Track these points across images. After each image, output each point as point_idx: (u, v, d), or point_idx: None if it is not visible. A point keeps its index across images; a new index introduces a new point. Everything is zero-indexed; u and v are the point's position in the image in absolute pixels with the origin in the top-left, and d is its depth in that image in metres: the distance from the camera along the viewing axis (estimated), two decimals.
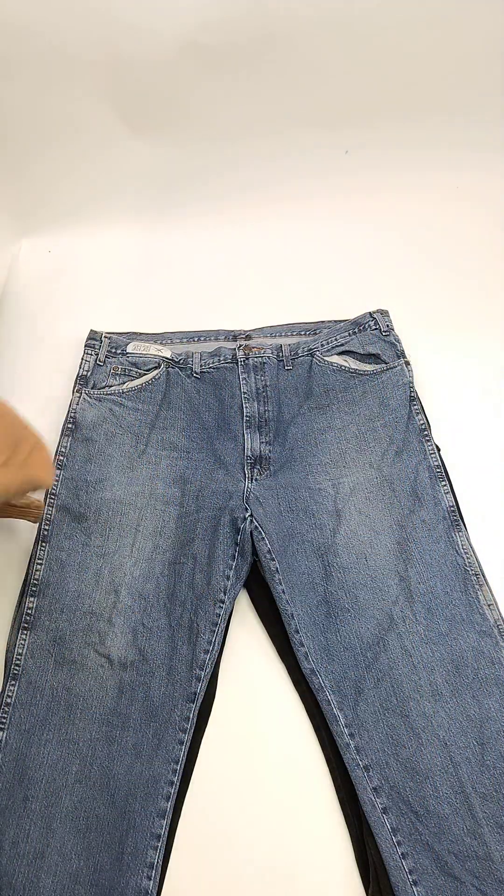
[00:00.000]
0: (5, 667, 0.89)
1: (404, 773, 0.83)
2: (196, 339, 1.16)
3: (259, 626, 0.96)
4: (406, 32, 1.11)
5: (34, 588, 0.93)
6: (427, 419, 1.06)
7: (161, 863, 0.78)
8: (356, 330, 1.12)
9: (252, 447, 1.03)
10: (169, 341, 1.16)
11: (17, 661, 0.89)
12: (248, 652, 0.94)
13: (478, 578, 0.93)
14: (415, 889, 0.78)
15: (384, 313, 1.13)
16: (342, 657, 0.90)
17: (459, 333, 1.20)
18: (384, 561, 0.95)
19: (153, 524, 0.98)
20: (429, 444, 1.03)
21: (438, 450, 1.03)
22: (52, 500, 0.99)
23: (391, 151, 1.25)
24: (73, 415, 1.05)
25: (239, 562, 0.95)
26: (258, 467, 1.03)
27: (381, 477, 1.01)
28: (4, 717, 0.85)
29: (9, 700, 0.86)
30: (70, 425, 1.04)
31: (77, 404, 1.06)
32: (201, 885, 0.80)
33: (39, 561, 0.94)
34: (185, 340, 1.16)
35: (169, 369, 1.09)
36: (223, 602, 0.92)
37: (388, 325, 1.12)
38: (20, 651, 0.89)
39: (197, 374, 1.09)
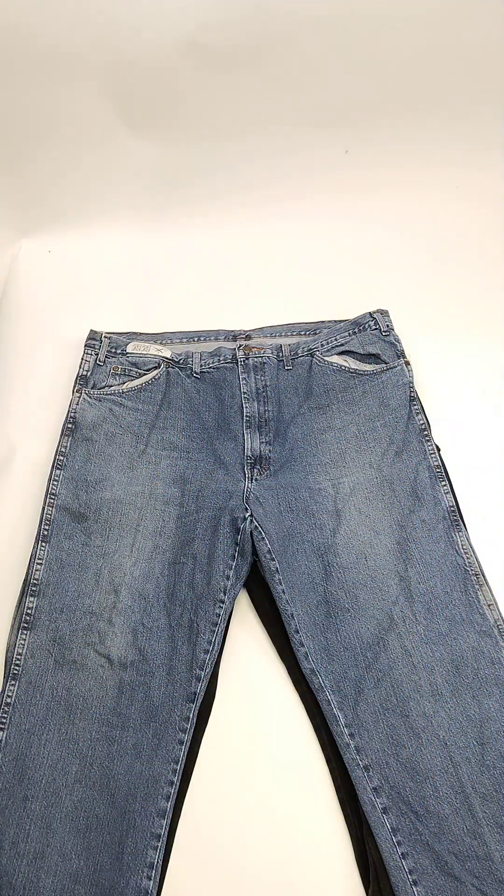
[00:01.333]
0: (5, 667, 0.89)
1: (404, 773, 0.83)
2: (196, 339, 1.16)
3: (259, 626, 0.96)
4: (406, 32, 1.11)
5: (34, 588, 0.93)
6: (427, 419, 1.05)
7: (161, 863, 0.78)
8: (356, 330, 1.12)
9: (252, 447, 1.03)
10: (169, 341, 1.16)
11: (17, 661, 0.88)
12: (248, 652, 0.94)
13: (478, 578, 0.93)
14: (415, 889, 0.78)
15: (384, 313, 1.13)
16: (342, 657, 0.89)
17: (459, 333, 1.20)
18: (384, 561, 0.95)
19: (153, 524, 0.98)
20: (429, 444, 1.03)
21: (438, 450, 1.03)
22: (52, 500, 0.99)
23: (391, 150, 1.25)
24: (73, 415, 1.05)
25: (239, 562, 0.95)
26: (258, 467, 1.02)
27: (381, 477, 1.01)
28: (4, 717, 0.85)
29: (9, 700, 0.86)
30: (70, 425, 1.04)
31: (77, 404, 1.06)
32: (201, 885, 0.80)
33: (39, 561, 0.94)
34: (185, 340, 1.16)
35: (169, 369, 1.09)
36: (223, 602, 0.92)
37: (388, 325, 1.11)
38: (20, 651, 0.89)
39: (197, 373, 1.08)
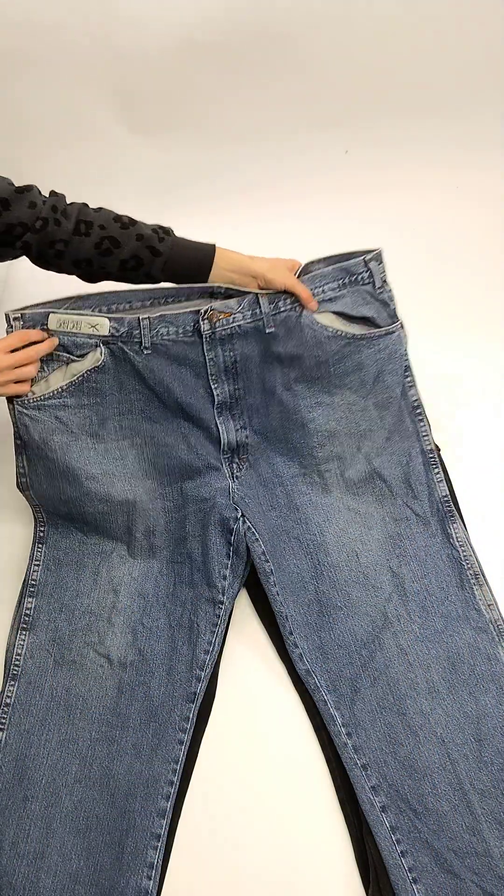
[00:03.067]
0: (5, 667, 0.89)
1: (402, 771, 0.83)
2: (147, 303, 0.95)
3: (259, 626, 0.96)
4: (407, 32, 1.10)
5: (32, 589, 0.92)
6: (420, 397, 1.00)
7: (161, 863, 0.78)
8: (347, 280, 0.97)
9: (228, 438, 0.95)
10: (106, 307, 0.94)
11: (17, 662, 0.88)
12: (248, 652, 0.94)
13: (474, 574, 0.92)
14: (414, 887, 0.77)
15: (378, 259, 0.98)
16: (337, 656, 0.89)
17: (459, 333, 1.20)
18: (376, 557, 0.93)
19: (144, 525, 0.95)
20: (422, 424, 0.99)
21: (438, 450, 1.02)
22: (38, 508, 0.96)
23: (391, 150, 1.25)
24: (16, 430, 0.92)
25: (234, 561, 0.93)
26: (237, 461, 0.96)
27: (370, 468, 0.97)
28: (4, 718, 0.85)
29: (8, 700, 0.86)
30: (18, 442, 0.93)
31: (17, 418, 0.91)
32: (201, 885, 0.80)
33: (37, 562, 0.94)
34: (127, 304, 0.94)
35: (110, 346, 0.91)
36: (222, 603, 0.91)
37: (382, 279, 0.98)
38: (19, 651, 0.89)
39: (147, 347, 0.91)
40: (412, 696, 0.86)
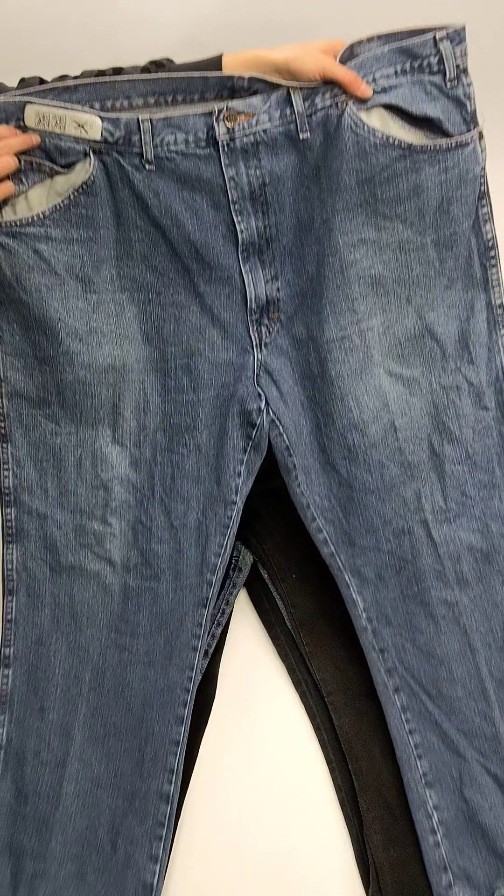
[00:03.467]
0: (2, 583, 0.83)
1: (420, 656, 0.82)
2: (147, 101, 0.75)
3: (259, 626, 0.91)
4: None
5: (7, 497, 0.81)
6: (496, 235, 0.82)
7: (181, 768, 0.79)
8: (408, 65, 0.74)
9: (256, 292, 0.79)
10: (99, 100, 0.75)
11: (10, 576, 0.82)
12: (248, 652, 0.90)
13: None
14: (419, 762, 0.81)
15: (455, 38, 0.74)
16: (364, 541, 0.82)
17: None
18: (416, 432, 0.83)
19: (133, 401, 0.81)
20: (494, 269, 0.82)
21: None
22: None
23: None
24: None
25: (251, 457, 0.81)
26: (266, 321, 0.80)
27: (421, 324, 0.81)
28: (9, 633, 0.81)
29: (9, 616, 0.81)
30: None
31: None
32: (202, 887, 0.81)
33: (5, 465, 0.81)
34: (125, 103, 0.75)
35: (104, 158, 0.74)
36: (234, 503, 0.81)
37: (457, 67, 0.75)
38: (9, 566, 0.82)
39: (150, 161, 0.74)
40: (437, 587, 0.82)
